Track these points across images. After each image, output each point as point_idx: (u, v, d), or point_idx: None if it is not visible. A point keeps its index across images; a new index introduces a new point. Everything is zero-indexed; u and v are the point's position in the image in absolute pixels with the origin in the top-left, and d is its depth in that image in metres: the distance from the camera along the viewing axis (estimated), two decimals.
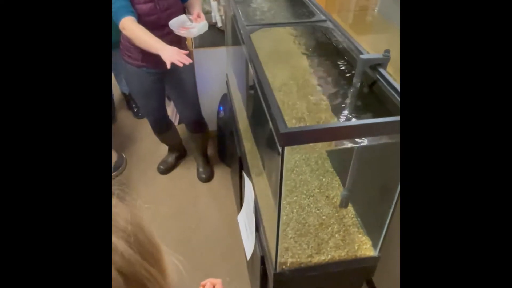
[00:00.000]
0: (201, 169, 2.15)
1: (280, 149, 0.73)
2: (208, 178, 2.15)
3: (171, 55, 1.35)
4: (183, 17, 1.57)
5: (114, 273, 0.33)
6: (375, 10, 2.10)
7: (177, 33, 1.53)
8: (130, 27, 1.40)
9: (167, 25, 1.52)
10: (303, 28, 1.33)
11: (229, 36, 1.64)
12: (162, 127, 1.99)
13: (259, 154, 1.21)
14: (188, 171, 2.23)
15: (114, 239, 0.34)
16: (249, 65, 1.02)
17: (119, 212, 0.37)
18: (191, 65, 1.79)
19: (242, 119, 1.45)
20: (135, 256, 0.35)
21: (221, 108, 2.17)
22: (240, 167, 1.51)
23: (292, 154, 1.27)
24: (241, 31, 1.11)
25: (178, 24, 1.55)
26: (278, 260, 0.95)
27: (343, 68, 1.19)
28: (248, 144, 1.33)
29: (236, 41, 1.42)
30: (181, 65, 1.34)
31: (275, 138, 0.76)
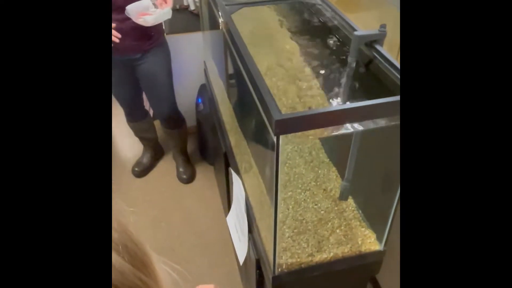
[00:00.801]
0: (181, 169, 2.13)
1: (274, 138, 0.73)
2: (190, 178, 2.13)
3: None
4: (146, 1, 1.54)
5: None
6: None
7: (134, 19, 1.51)
8: None
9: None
10: (287, 6, 1.33)
11: (205, 19, 1.62)
12: (137, 116, 1.97)
13: (248, 147, 1.20)
14: (167, 172, 2.21)
15: None
16: (232, 49, 1.01)
17: None
18: (166, 54, 1.77)
19: (225, 111, 1.44)
20: (127, 265, 0.35)
21: (199, 100, 2.15)
22: (226, 163, 1.50)
23: (283, 145, 1.27)
24: (220, 12, 1.10)
25: (138, 9, 1.52)
26: (277, 261, 0.95)
27: (335, 48, 1.19)
28: (234, 138, 1.32)
29: (215, 25, 1.41)
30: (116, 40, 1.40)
31: (268, 127, 0.76)
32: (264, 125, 0.80)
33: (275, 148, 0.74)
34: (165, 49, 1.77)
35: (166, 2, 1.55)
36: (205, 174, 2.20)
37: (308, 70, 1.25)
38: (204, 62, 1.81)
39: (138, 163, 2.19)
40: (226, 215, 1.85)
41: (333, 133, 0.88)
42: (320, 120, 0.72)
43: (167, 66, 1.79)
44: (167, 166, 2.24)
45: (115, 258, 0.34)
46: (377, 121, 0.83)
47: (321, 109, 0.71)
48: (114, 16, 1.48)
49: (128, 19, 1.53)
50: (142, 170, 2.17)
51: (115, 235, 0.35)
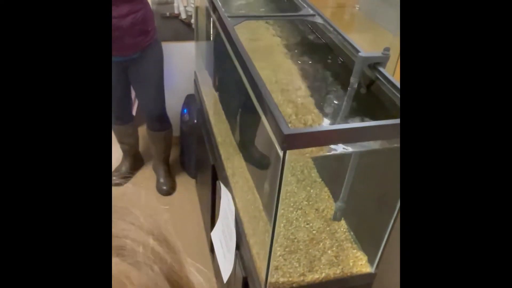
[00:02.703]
0: (161, 180, 2.10)
1: (281, 153, 0.74)
2: (170, 190, 2.11)
3: None
4: None
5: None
6: (356, 8, 2.19)
7: None
8: None
9: None
10: (287, 23, 1.36)
11: (202, 29, 1.64)
12: (124, 119, 1.95)
13: (244, 161, 1.20)
14: (146, 181, 2.18)
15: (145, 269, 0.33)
16: (235, 61, 1.02)
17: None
18: (160, 51, 1.76)
19: (217, 123, 1.44)
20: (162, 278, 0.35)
21: (185, 110, 2.15)
22: (213, 176, 1.50)
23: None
24: (224, 23, 1.11)
25: None
26: (268, 280, 0.95)
27: (334, 66, 1.23)
28: (226, 151, 1.32)
29: (213, 35, 1.42)
30: None
31: (273, 142, 0.77)
32: (268, 139, 0.81)
33: (281, 163, 0.75)
34: (159, 45, 1.77)
35: None
36: (185, 187, 2.18)
37: (305, 87, 1.28)
38: (195, 72, 1.81)
39: (116, 171, 2.15)
40: (206, 230, 1.83)
41: (332, 153, 0.90)
42: (329, 137, 0.73)
43: (160, 64, 1.78)
44: (146, 176, 2.21)
45: (150, 271, 0.34)
46: (378, 142, 0.85)
47: (331, 126, 0.72)
48: (112, 13, 1.45)
49: (128, 15, 1.51)
50: (120, 179, 2.12)
51: (154, 243, 0.34)
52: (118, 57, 1.63)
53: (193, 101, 2.04)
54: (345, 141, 0.76)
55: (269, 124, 0.77)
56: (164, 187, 2.08)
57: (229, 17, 1.16)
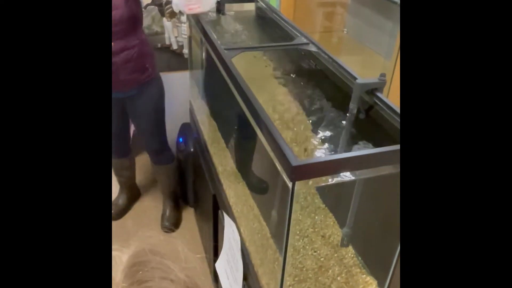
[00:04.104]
0: (165, 215, 2.06)
1: (290, 184, 0.75)
2: (171, 227, 2.05)
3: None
4: None
5: None
6: (344, 31, 2.24)
7: (186, 11, 1.35)
8: None
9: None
10: (284, 52, 1.39)
11: (196, 59, 1.66)
12: (122, 153, 1.94)
13: (248, 189, 1.21)
14: (144, 214, 2.16)
15: None
16: (235, 93, 1.04)
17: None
18: (160, 89, 1.77)
19: (217, 152, 1.45)
20: None
21: (181, 139, 2.16)
22: (214, 206, 1.50)
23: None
24: (221, 55, 1.13)
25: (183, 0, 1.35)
26: None
27: (329, 93, 1.25)
28: (228, 180, 1.33)
29: (209, 66, 1.44)
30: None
31: (281, 173, 0.78)
32: (275, 170, 0.82)
33: (290, 194, 0.76)
34: (159, 82, 1.76)
35: None
36: (184, 216, 2.16)
37: (302, 114, 1.30)
38: (190, 101, 1.83)
39: (113, 204, 2.13)
40: (208, 260, 1.81)
41: (338, 181, 0.91)
42: (337, 166, 0.74)
43: (160, 101, 1.78)
44: (144, 209, 2.19)
45: None
46: (383, 167, 0.86)
47: (338, 155, 0.73)
48: None
49: (122, 51, 1.53)
50: (117, 213, 2.11)
51: None
52: (115, 93, 1.63)
53: (188, 130, 2.06)
54: (353, 169, 0.77)
55: (276, 155, 0.78)
56: (167, 223, 2.05)
57: (225, 49, 1.18)
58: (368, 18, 1.95)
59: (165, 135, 1.91)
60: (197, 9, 1.34)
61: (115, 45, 1.52)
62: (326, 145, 1.14)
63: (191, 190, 2.12)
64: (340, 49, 2.22)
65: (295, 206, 1.23)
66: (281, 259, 1.00)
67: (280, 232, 0.97)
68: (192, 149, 1.95)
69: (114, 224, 2.11)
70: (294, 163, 0.72)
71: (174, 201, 2.09)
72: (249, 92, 0.94)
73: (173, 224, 2.05)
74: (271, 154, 0.83)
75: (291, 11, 2.12)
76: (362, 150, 0.75)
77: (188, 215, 2.17)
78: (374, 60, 1.91)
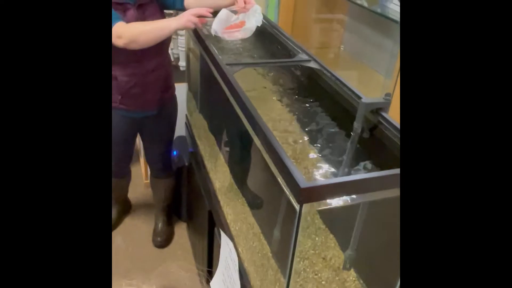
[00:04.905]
0: (158, 229, 2.02)
1: (297, 206, 0.73)
2: (163, 242, 2.01)
3: (189, 17, 1.22)
4: (224, 13, 1.27)
5: None
6: (341, 48, 2.25)
7: (226, 37, 1.27)
8: (126, 28, 1.26)
9: None
10: (285, 69, 1.38)
11: (194, 73, 1.65)
12: (123, 173, 1.89)
13: (249, 206, 1.18)
14: (135, 228, 2.11)
15: None
16: (238, 109, 1.02)
17: None
18: (175, 111, 1.76)
19: (214, 167, 1.43)
20: None
21: (175, 152, 2.13)
22: (210, 223, 1.47)
23: None
24: (224, 71, 1.12)
25: (222, 25, 1.26)
26: None
27: (330, 110, 1.24)
28: (226, 197, 1.30)
29: (210, 82, 1.43)
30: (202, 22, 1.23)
31: (288, 195, 0.76)
32: (279, 189, 0.80)
33: (297, 217, 0.74)
34: (176, 102, 1.75)
35: (247, 2, 1.29)
36: (176, 231, 2.12)
37: (301, 132, 1.28)
38: (186, 115, 1.81)
39: None
40: (202, 279, 1.78)
41: (342, 204, 0.89)
42: (346, 188, 0.73)
43: (175, 121, 1.77)
44: (135, 223, 2.15)
45: None
46: (388, 190, 0.85)
47: (349, 178, 0.72)
48: (134, 70, 1.40)
49: (154, 70, 1.48)
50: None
51: None
52: (136, 113, 1.56)
53: (183, 143, 2.03)
54: (363, 191, 0.76)
55: (283, 177, 0.77)
56: (159, 238, 2.00)
57: (227, 64, 1.17)
58: (366, 36, 1.97)
59: (171, 153, 1.88)
60: (236, 34, 1.26)
61: (148, 64, 1.47)
62: (328, 164, 1.13)
63: (184, 205, 2.08)
64: (337, 66, 2.23)
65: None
66: (282, 280, 0.98)
67: (283, 252, 0.94)
68: (186, 163, 1.92)
69: None
70: (302, 185, 0.70)
71: (166, 215, 2.05)
72: (254, 110, 0.92)
73: (165, 239, 2.00)
74: (277, 174, 0.81)
75: (289, 27, 2.12)
76: (373, 172, 0.74)
77: (180, 230, 2.13)
78: (372, 78, 1.92)
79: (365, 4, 1.70)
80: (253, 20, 1.25)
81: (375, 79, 1.88)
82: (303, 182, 0.70)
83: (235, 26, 1.26)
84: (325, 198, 0.73)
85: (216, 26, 1.25)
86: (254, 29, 1.26)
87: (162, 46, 1.44)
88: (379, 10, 1.60)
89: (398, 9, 1.51)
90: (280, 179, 0.80)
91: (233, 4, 1.31)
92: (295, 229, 0.76)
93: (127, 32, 1.25)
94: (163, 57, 1.55)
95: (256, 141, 0.92)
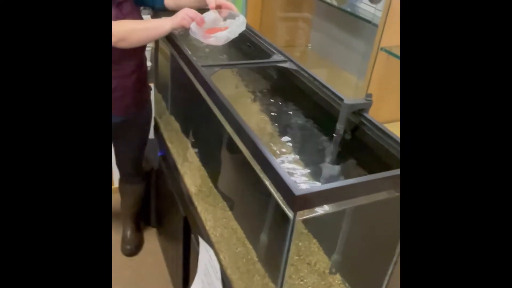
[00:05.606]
0: (127, 237, 1.94)
1: (291, 214, 0.71)
2: (134, 250, 1.94)
3: (183, 16, 1.17)
4: (212, 14, 1.22)
5: None
6: (309, 46, 2.26)
7: (202, 39, 1.20)
8: (115, 25, 1.16)
9: None
10: (262, 70, 1.36)
11: (164, 74, 1.59)
12: None
13: (231, 210, 1.15)
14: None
15: None
16: (218, 113, 0.99)
17: None
18: (150, 115, 1.69)
19: (189, 171, 1.38)
20: None
21: None
22: (185, 229, 1.42)
23: None
24: (199, 73, 1.08)
25: (206, 25, 1.21)
26: None
27: (310, 113, 1.23)
28: (204, 201, 1.26)
29: (179, 81, 1.38)
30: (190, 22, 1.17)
31: (280, 203, 0.74)
32: (269, 196, 0.78)
33: (291, 224, 0.72)
34: (151, 105, 1.68)
35: (227, 7, 1.25)
36: (145, 237, 2.05)
37: (280, 135, 1.27)
38: (155, 118, 1.75)
39: None
40: (175, 286, 1.72)
41: (328, 211, 0.88)
42: (342, 193, 0.72)
43: (149, 125, 1.71)
44: None
45: None
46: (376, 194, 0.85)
47: (344, 182, 0.71)
48: (114, 73, 1.31)
49: (132, 73, 1.41)
50: None
51: None
52: (115, 117, 1.47)
53: (151, 146, 1.96)
54: (358, 195, 0.75)
55: (274, 184, 0.74)
56: (128, 247, 1.92)
57: (203, 66, 1.13)
58: (334, 35, 1.98)
59: (143, 158, 1.81)
60: (211, 40, 1.19)
61: (128, 67, 1.39)
62: (309, 167, 1.12)
63: (153, 210, 2.02)
64: (305, 65, 2.23)
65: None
66: (271, 284, 0.96)
67: (271, 257, 0.92)
68: (155, 167, 1.86)
69: None
70: (297, 192, 0.68)
71: (135, 222, 1.98)
72: (237, 115, 0.89)
73: (135, 246, 1.94)
74: (266, 180, 0.79)
75: (257, 26, 2.10)
76: (366, 176, 0.73)
77: (150, 237, 2.07)
78: (341, 76, 1.93)
79: (335, 3, 1.71)
80: (235, 30, 1.20)
81: (344, 78, 1.90)
82: (297, 190, 0.69)
83: (216, 30, 1.22)
84: (320, 205, 0.72)
85: (196, 28, 1.20)
86: (230, 39, 1.21)
87: (141, 47, 1.38)
88: (349, 9, 1.61)
89: (368, 8, 1.52)
90: (269, 185, 0.78)
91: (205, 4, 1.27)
92: (288, 237, 0.74)
93: (116, 30, 1.17)
94: (142, 59, 1.49)
95: (241, 146, 0.89)
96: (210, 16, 1.23)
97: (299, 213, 0.72)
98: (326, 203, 0.72)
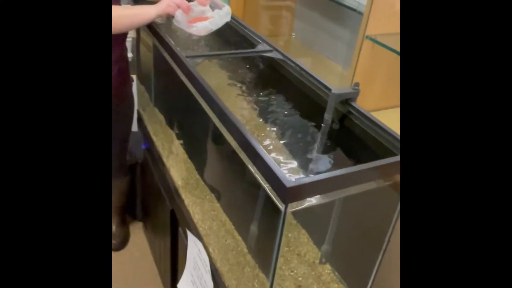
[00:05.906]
0: (113, 231, 1.91)
1: (282, 207, 0.70)
2: (120, 245, 1.92)
3: (169, 2, 1.15)
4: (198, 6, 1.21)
5: None
6: (293, 36, 2.24)
7: (184, 28, 1.19)
8: None
9: None
10: (248, 60, 1.34)
11: (146, 65, 1.55)
12: None
13: (218, 202, 1.14)
14: None
15: None
16: (205, 105, 0.97)
17: None
18: (132, 106, 1.65)
19: (175, 163, 1.37)
20: None
21: None
22: (172, 223, 1.41)
23: None
24: (184, 64, 1.06)
25: (192, 13, 1.19)
26: None
27: (297, 102, 1.22)
28: (192, 194, 1.25)
29: (163, 72, 1.35)
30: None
31: (270, 194, 0.73)
32: (258, 187, 0.77)
33: (282, 216, 0.71)
34: (133, 97, 1.65)
35: None
36: (132, 231, 2.03)
37: (267, 125, 1.26)
38: (138, 110, 1.72)
39: None
40: (164, 280, 1.71)
41: (318, 203, 0.87)
42: (333, 184, 0.71)
43: (132, 117, 1.67)
44: None
45: None
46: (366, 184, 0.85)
47: (336, 172, 0.70)
48: None
49: (115, 62, 1.37)
50: None
51: None
52: None
53: (134, 139, 1.93)
54: (350, 185, 0.75)
55: (264, 176, 0.73)
56: (114, 241, 1.90)
57: (187, 57, 1.11)
58: (318, 24, 1.97)
59: (127, 151, 1.78)
60: (195, 31, 1.18)
61: (112, 56, 1.35)
62: (297, 158, 1.11)
63: (139, 204, 1.99)
64: (289, 53, 2.22)
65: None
66: (261, 275, 0.96)
67: (261, 248, 0.92)
68: (140, 161, 1.83)
69: None
70: (288, 184, 0.67)
71: (120, 216, 1.95)
72: (224, 107, 0.88)
73: (121, 241, 1.91)
74: (256, 172, 0.78)
75: (240, 15, 2.07)
76: (361, 165, 0.72)
77: (136, 230, 2.04)
78: (326, 65, 1.92)
79: None
80: (217, 21, 1.19)
81: (329, 67, 1.89)
82: (288, 181, 0.68)
83: (201, 19, 1.19)
84: (311, 196, 0.71)
85: (181, 17, 1.18)
86: (211, 30, 1.20)
87: (123, 36, 1.35)
88: None
89: None
90: (259, 177, 0.77)
91: None
92: (280, 229, 0.73)
93: None
94: (123, 50, 1.45)
95: (228, 137, 0.88)
96: (196, 6, 1.21)
97: (290, 205, 0.72)
98: (318, 194, 0.72)
